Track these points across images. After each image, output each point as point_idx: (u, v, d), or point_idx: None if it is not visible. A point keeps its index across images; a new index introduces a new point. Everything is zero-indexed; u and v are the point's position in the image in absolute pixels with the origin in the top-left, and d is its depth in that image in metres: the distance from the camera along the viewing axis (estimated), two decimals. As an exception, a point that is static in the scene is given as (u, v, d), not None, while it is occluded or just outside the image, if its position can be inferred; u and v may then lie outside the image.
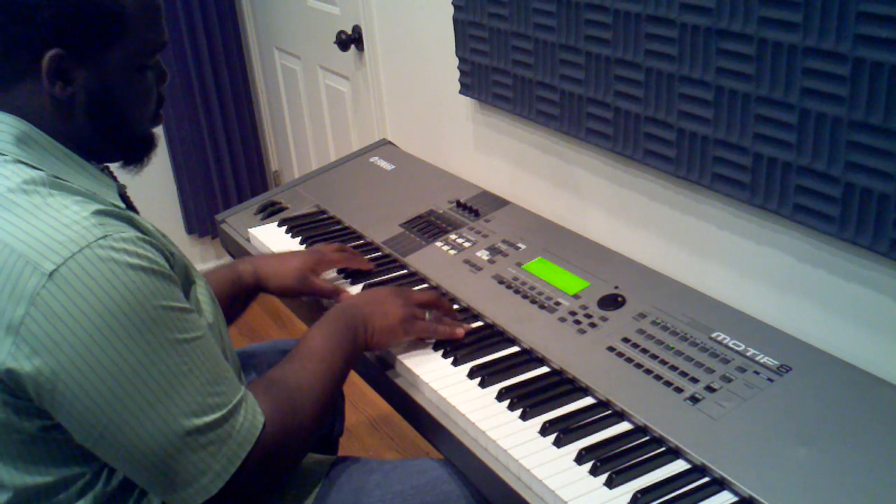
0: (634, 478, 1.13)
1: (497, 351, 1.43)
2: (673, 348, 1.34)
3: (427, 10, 2.18)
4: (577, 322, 1.45)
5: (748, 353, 1.30)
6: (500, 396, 1.31)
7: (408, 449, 2.54)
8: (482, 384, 1.34)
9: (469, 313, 1.54)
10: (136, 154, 1.23)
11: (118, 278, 1.02)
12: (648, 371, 1.30)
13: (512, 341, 1.45)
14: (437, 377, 1.37)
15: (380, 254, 1.79)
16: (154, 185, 3.20)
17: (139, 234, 1.08)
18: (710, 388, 1.25)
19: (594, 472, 1.14)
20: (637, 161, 1.60)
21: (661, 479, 1.13)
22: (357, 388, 2.43)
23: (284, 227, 1.94)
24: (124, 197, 1.21)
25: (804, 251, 1.37)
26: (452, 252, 1.73)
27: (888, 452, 1.11)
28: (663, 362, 1.31)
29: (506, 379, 1.35)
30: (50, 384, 1.02)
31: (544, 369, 1.38)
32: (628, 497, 1.10)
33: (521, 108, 1.85)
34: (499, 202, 1.89)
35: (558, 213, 1.86)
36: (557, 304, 1.50)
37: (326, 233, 1.90)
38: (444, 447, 1.33)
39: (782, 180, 1.32)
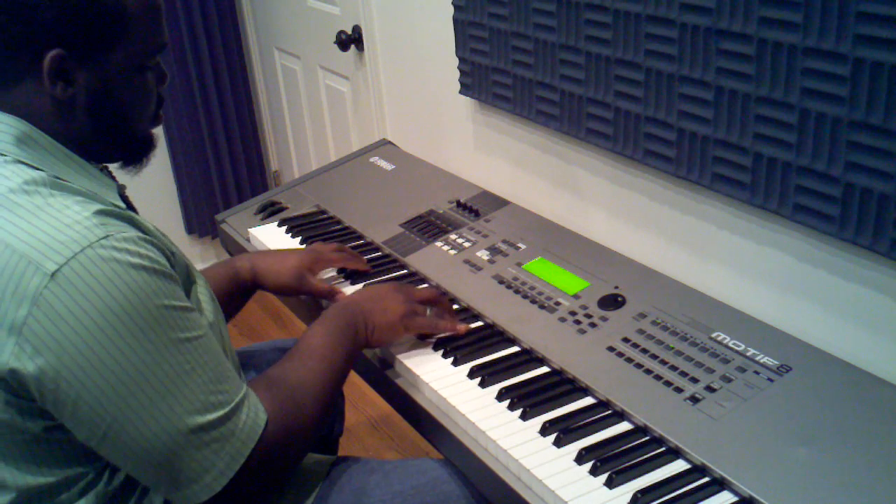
0: (634, 478, 1.13)
1: (497, 351, 1.43)
2: (673, 348, 1.34)
3: (427, 10, 2.18)
4: (577, 322, 1.45)
5: (748, 353, 1.30)
6: (501, 396, 1.31)
7: (408, 449, 2.54)
8: (482, 384, 1.34)
9: (469, 313, 1.55)
10: (136, 154, 1.23)
11: (120, 278, 1.02)
12: (648, 371, 1.31)
13: (512, 341, 1.45)
14: (437, 377, 1.37)
15: (380, 254, 1.79)
16: (154, 185, 3.21)
17: (140, 234, 1.08)
18: (710, 388, 1.25)
19: (594, 472, 1.14)
20: (637, 161, 1.60)
21: (661, 479, 1.13)
22: (357, 388, 2.43)
23: (284, 227, 1.94)
24: (124, 197, 1.22)
25: (804, 251, 1.37)
26: (452, 252, 1.73)
27: (888, 452, 1.11)
28: (663, 362, 1.32)
29: (506, 379, 1.35)
30: (53, 384, 1.02)
31: (544, 369, 1.38)
32: (628, 497, 1.10)
33: (521, 108, 1.85)
34: (499, 202, 1.90)
35: (558, 213, 1.86)
36: (557, 304, 1.50)
37: (326, 233, 1.90)
38: (444, 447, 1.33)
39: (782, 180, 1.32)
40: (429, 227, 1.84)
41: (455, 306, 1.55)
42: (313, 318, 1.38)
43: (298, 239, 1.89)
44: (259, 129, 3.46)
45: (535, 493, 1.15)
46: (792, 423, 1.17)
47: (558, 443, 1.20)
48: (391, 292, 1.44)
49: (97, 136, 1.15)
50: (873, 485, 1.06)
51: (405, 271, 1.72)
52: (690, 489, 1.11)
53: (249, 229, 1.96)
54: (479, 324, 1.51)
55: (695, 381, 1.27)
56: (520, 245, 1.70)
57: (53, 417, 1.06)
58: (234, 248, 2.00)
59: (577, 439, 1.21)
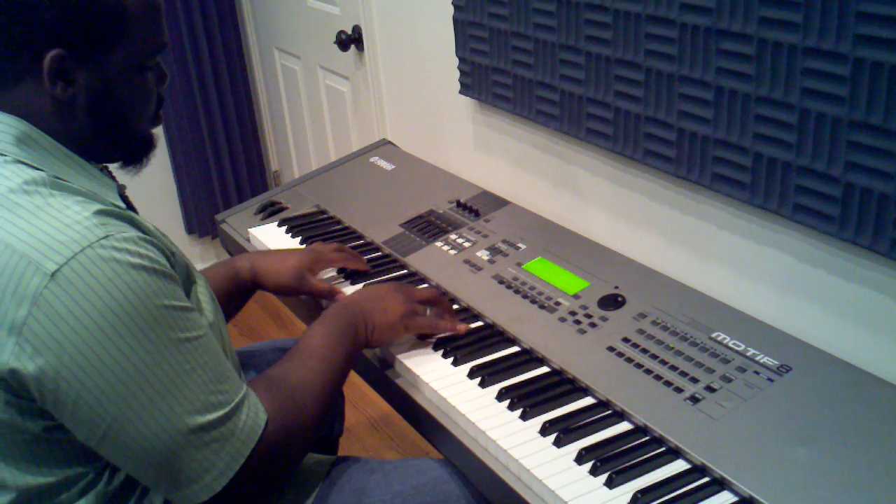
0: (634, 478, 1.13)
1: (497, 351, 1.43)
2: (673, 348, 1.34)
3: (427, 10, 2.18)
4: (577, 322, 1.45)
5: (748, 353, 1.30)
6: (501, 396, 1.31)
7: (408, 449, 2.54)
8: (482, 384, 1.34)
9: (469, 313, 1.55)
10: (136, 154, 1.23)
11: (120, 278, 1.02)
12: (648, 371, 1.31)
13: (512, 341, 1.45)
14: (437, 377, 1.37)
15: (380, 254, 1.79)
16: (154, 185, 3.20)
17: (140, 234, 1.08)
18: (710, 388, 1.25)
19: (594, 472, 1.14)
20: (637, 161, 1.60)
21: (661, 479, 1.13)
22: (357, 388, 2.43)
23: (284, 227, 1.94)
24: (124, 197, 1.22)
25: (804, 251, 1.37)
26: (452, 252, 1.73)
27: (888, 452, 1.11)
28: (663, 362, 1.32)
29: (506, 379, 1.35)
30: (53, 384, 1.02)
31: (544, 369, 1.38)
32: (628, 497, 1.10)
33: (521, 108, 1.85)
34: (499, 202, 1.90)
35: (558, 213, 1.86)
36: (557, 304, 1.50)
37: (326, 233, 1.90)
38: (444, 447, 1.33)
39: (782, 180, 1.32)
40: (429, 227, 1.84)
41: (455, 306, 1.55)
42: (313, 318, 1.38)
43: (298, 239, 1.89)
44: (259, 129, 3.46)
45: (535, 493, 1.15)
46: (792, 423, 1.17)
47: (558, 443, 1.20)
48: (391, 292, 1.44)
49: (97, 136, 1.15)
50: (873, 485, 1.06)
51: (405, 271, 1.72)
52: (690, 489, 1.11)
53: (249, 229, 1.96)
54: (479, 324, 1.51)
55: (695, 381, 1.27)
56: (520, 245, 1.70)
57: (53, 417, 1.06)
58: (234, 248, 2.00)
59: (577, 439, 1.21)
